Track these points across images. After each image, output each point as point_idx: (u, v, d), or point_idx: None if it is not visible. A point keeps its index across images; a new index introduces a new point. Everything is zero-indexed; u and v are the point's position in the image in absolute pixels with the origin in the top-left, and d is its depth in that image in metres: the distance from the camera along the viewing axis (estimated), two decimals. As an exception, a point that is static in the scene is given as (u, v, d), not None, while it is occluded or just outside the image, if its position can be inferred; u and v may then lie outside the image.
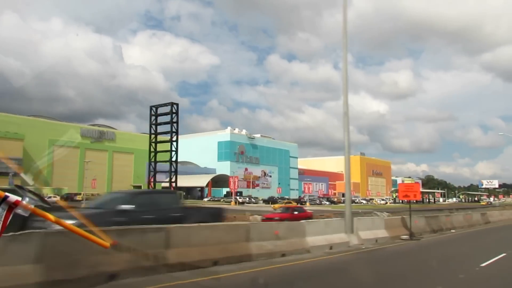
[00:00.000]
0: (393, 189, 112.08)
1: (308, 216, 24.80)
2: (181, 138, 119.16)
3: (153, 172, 61.11)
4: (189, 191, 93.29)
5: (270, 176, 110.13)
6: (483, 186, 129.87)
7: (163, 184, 63.55)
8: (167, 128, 58.93)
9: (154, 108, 61.16)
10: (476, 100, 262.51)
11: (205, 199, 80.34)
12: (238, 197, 74.73)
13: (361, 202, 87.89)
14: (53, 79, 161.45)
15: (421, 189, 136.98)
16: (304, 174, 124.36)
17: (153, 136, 60.59)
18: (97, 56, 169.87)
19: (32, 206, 2.18)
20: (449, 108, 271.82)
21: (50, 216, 2.30)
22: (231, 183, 65.95)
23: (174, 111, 58.91)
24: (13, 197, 2.05)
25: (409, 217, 16.99)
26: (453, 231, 20.55)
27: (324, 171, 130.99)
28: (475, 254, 12.93)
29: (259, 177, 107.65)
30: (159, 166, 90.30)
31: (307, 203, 74.15)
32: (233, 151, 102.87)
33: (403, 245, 14.52)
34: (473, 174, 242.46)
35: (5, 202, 2.00)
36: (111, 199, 10.79)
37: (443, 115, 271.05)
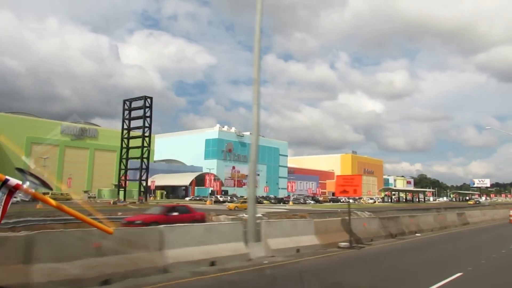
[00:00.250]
0: (382, 187, 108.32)
1: (196, 219, 18.26)
2: (168, 136, 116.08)
3: (124, 170, 57.44)
4: (174, 190, 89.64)
5: (258, 175, 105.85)
6: (475, 185, 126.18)
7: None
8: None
9: (127, 102, 57.35)
10: (471, 100, 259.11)
11: (187, 198, 76.59)
12: (219, 196, 71.05)
13: (348, 201, 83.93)
14: (49, 78, 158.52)
15: (412, 188, 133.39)
16: (295, 173, 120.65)
17: (126, 132, 57.20)
18: (93, 56, 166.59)
19: (33, 190, 2.01)
20: (444, 108, 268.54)
21: (52, 201, 2.15)
22: (207, 181, 62.13)
23: (147, 105, 55.32)
24: (13, 181, 1.92)
25: (357, 219, 13.22)
26: (418, 235, 16.80)
27: (315, 170, 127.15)
28: (423, 272, 9.15)
29: (247, 175, 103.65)
30: (138, 164, 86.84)
31: (290, 202, 70.45)
32: (220, 149, 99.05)
33: (332, 257, 10.76)
34: (466, 173, 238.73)
35: (5, 185, 1.90)
36: None
37: (438, 115, 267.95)
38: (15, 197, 2.03)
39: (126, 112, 55.69)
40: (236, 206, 41.07)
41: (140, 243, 7.18)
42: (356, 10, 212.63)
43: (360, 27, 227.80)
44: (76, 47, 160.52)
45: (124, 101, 56.13)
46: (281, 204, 68.28)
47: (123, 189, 55.14)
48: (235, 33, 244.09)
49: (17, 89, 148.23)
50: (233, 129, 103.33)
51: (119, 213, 29.56)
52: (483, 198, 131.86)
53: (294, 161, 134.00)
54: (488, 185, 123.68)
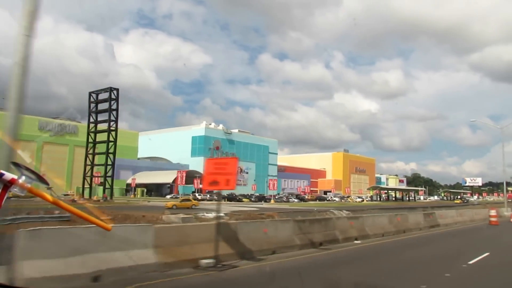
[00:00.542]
0: (371, 186, 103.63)
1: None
2: (155, 133, 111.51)
3: (90, 165, 53.00)
4: (159, 188, 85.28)
5: (247, 173, 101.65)
6: (467, 184, 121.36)
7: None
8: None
9: (94, 95, 52.86)
10: (464, 100, 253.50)
11: (168, 196, 72.26)
12: (198, 194, 66.72)
13: (334, 200, 79.32)
14: (44, 77, 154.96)
15: (404, 187, 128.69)
16: (286, 171, 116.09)
17: (93, 126, 52.79)
18: (88, 54, 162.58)
19: (29, 185, 2.00)
20: (439, 107, 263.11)
21: (48, 196, 2.11)
22: (178, 178, 57.71)
23: (113, 97, 50.93)
24: (8, 175, 1.90)
25: (251, 223, 8.71)
26: (358, 242, 12.34)
27: (307, 168, 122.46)
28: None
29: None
30: (121, 161, 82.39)
31: (272, 200, 65.98)
32: (207, 146, 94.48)
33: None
34: (460, 172, 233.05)
35: (0, 180, 1.88)
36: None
37: (432, 114, 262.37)
38: (10, 192, 1.92)
39: (93, 105, 51.31)
40: (175, 205, 36.09)
41: None
42: (351, 10, 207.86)
43: (355, 27, 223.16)
44: (71, 46, 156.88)
45: (90, 93, 51.73)
46: (262, 202, 63.77)
47: (89, 186, 50.61)
48: (230, 32, 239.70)
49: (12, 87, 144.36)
50: (220, 126, 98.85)
51: (57, 212, 25.47)
52: (475, 197, 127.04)
53: (286, 160, 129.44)
54: (480, 184, 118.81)
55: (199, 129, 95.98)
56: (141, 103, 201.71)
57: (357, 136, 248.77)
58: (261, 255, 8.87)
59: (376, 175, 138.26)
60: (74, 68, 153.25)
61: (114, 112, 49.54)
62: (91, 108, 51.36)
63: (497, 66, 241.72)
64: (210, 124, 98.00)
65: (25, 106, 6.04)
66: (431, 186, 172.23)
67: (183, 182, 58.84)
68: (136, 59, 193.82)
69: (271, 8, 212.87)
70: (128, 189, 79.80)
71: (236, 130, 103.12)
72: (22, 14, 6.07)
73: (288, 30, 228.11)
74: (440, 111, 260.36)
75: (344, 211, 35.21)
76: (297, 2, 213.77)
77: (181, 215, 23.14)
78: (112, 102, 49.28)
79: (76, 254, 6.02)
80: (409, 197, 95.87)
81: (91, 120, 51.47)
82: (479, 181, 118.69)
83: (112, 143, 49.68)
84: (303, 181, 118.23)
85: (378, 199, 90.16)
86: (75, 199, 43.84)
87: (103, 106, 50.69)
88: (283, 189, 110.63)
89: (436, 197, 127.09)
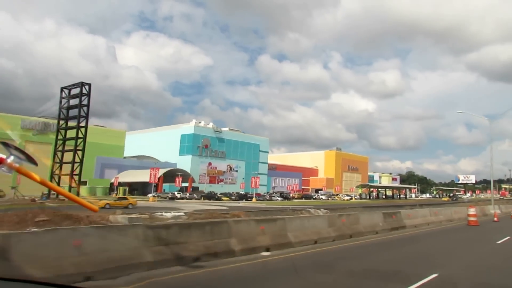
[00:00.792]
0: (360, 184, 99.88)
1: None
2: (144, 132, 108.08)
3: (59, 163, 49.49)
4: (144, 186, 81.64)
5: (237, 171, 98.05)
6: (460, 182, 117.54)
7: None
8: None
9: (66, 90, 49.58)
10: (461, 99, 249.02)
11: (149, 195, 68.80)
12: (177, 193, 63.41)
13: (321, 198, 75.59)
14: (46, 79, 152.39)
15: (396, 185, 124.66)
16: (277, 170, 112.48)
17: (63, 122, 49.33)
18: (90, 57, 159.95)
19: (17, 165, 1.98)
20: (435, 107, 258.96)
21: (36, 176, 2.12)
22: (151, 176, 54.26)
23: (85, 92, 47.47)
24: None
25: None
26: (267, 253, 8.76)
27: (299, 167, 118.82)
28: None
29: (224, 172, 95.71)
30: (107, 160, 78.95)
31: (254, 199, 62.37)
32: (196, 144, 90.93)
33: None
34: (455, 170, 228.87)
35: None
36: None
37: (429, 114, 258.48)
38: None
39: (64, 100, 47.81)
40: (108, 204, 31.91)
41: None
42: (349, 10, 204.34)
43: (352, 27, 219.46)
44: (73, 48, 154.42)
45: (62, 89, 48.29)
46: (244, 200, 60.21)
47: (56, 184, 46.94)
48: (230, 34, 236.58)
49: (14, 89, 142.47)
50: (210, 125, 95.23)
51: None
52: (468, 194, 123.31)
53: (279, 158, 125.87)
54: (473, 181, 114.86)
55: (188, 127, 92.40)
56: (141, 104, 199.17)
57: (354, 135, 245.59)
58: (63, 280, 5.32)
59: (369, 173, 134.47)
60: (76, 70, 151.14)
61: (85, 108, 46.01)
62: (63, 104, 47.91)
63: (494, 66, 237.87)
64: (200, 123, 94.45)
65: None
66: (425, 184, 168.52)
67: (156, 180, 55.26)
68: (137, 61, 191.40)
69: (270, 9, 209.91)
70: (113, 188, 76.49)
71: (227, 128, 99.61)
72: None
73: (287, 31, 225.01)
74: (436, 111, 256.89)
75: (322, 209, 31.59)
76: (296, 3, 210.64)
77: (134, 215, 19.79)
78: (83, 97, 45.77)
79: None
80: (399, 195, 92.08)
81: (62, 116, 47.97)
82: (472, 179, 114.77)
83: (81, 139, 46.16)
84: (294, 180, 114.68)
85: (368, 197, 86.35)
86: (35, 199, 40.36)
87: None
88: (274, 187, 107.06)
89: (427, 195, 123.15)
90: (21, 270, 5.24)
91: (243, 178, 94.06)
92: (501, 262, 9.10)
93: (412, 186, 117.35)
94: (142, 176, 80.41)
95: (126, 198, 35.91)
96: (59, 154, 47.87)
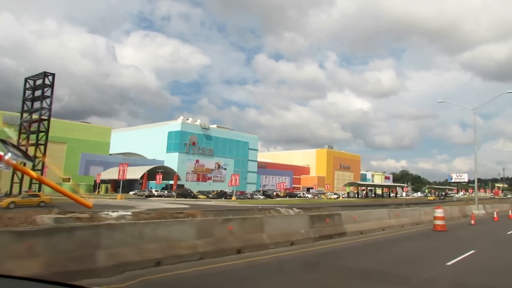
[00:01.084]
0: (347, 182, 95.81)
1: None
2: (131, 129, 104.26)
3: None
4: (131, 184, 78.04)
5: (225, 169, 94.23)
6: (453, 180, 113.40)
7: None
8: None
9: (30, 81, 46.02)
10: (455, 99, 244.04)
11: (131, 193, 65.30)
12: (155, 190, 59.80)
13: (306, 196, 71.62)
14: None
15: (386, 183, 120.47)
16: (267, 168, 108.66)
17: (27, 115, 45.75)
18: (90, 56, 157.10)
19: (15, 162, 1.96)
20: (430, 106, 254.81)
21: (32, 173, 2.08)
22: (120, 172, 50.62)
23: (48, 83, 43.87)
24: None
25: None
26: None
27: (290, 165, 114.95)
28: None
29: (212, 169, 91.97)
30: (92, 157, 75.13)
31: (233, 197, 58.56)
32: (183, 141, 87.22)
33: None
34: (450, 169, 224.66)
35: None
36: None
37: (423, 113, 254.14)
38: None
39: (29, 92, 44.22)
40: (13, 202, 27.43)
41: None
42: (344, 10, 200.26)
43: (348, 26, 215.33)
44: (74, 48, 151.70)
45: (26, 79, 44.65)
46: (223, 198, 56.42)
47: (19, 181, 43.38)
48: (227, 34, 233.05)
49: (16, 88, 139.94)
50: (198, 122, 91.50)
51: None
52: (461, 193, 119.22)
53: (270, 156, 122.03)
54: (466, 180, 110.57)
55: (175, 124, 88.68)
56: (140, 103, 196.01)
57: (349, 134, 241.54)
58: None
59: (362, 172, 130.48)
60: (77, 69, 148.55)
61: (48, 100, 42.44)
62: (27, 96, 44.32)
63: (488, 65, 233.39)
64: (188, 120, 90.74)
65: None
66: (419, 183, 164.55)
67: (125, 177, 51.63)
68: (137, 60, 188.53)
69: (266, 9, 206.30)
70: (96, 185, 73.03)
71: (215, 126, 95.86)
72: None
73: (283, 30, 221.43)
74: (431, 110, 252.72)
75: (295, 209, 27.91)
76: (292, 3, 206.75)
77: (69, 215, 16.15)
78: (46, 88, 42.17)
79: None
80: (389, 194, 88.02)
81: (26, 108, 44.39)
82: (465, 177, 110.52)
83: (43, 133, 42.58)
84: (285, 178, 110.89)
85: (356, 195, 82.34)
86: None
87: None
88: (264, 186, 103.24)
89: (419, 194, 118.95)
90: None
91: (231, 176, 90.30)
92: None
93: (402, 185, 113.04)
94: (128, 173, 76.92)
95: (38, 195, 31.08)
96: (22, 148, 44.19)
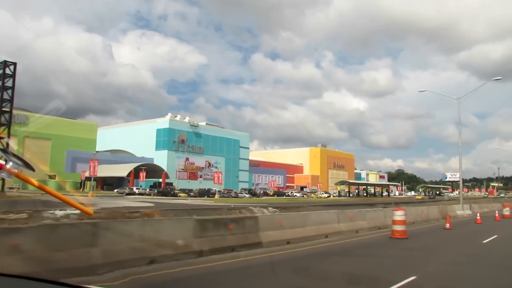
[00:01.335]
0: (338, 181, 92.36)
1: None
2: (120, 126, 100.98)
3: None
4: (120, 182, 74.94)
5: (216, 167, 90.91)
6: (447, 179, 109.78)
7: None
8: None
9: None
10: (451, 98, 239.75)
11: (115, 190, 62.42)
12: (136, 188, 56.70)
13: (295, 195, 68.29)
14: (45, 76, 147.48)
15: (377, 182, 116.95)
16: (259, 166, 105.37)
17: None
18: (88, 54, 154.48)
19: (16, 171, 1.95)
20: (426, 105, 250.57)
21: (34, 181, 2.07)
22: (91, 167, 47.50)
23: (9, 73, 40.90)
24: None
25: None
26: None
27: (283, 164, 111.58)
28: None
29: (203, 167, 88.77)
30: (78, 154, 72.02)
31: (216, 195, 55.33)
32: (172, 139, 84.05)
33: None
34: (446, 169, 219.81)
35: None
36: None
37: (419, 113, 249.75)
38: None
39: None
40: None
41: None
42: (341, 9, 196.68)
43: (345, 26, 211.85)
44: (71, 46, 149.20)
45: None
46: (205, 197, 53.19)
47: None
48: (224, 33, 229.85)
49: (15, 86, 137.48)
50: (187, 119, 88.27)
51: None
52: (456, 192, 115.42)
53: (263, 155, 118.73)
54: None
55: (163, 121, 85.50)
56: (137, 101, 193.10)
57: (346, 134, 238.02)
58: None
59: (356, 171, 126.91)
60: (74, 68, 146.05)
61: (10, 91, 39.33)
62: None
63: (484, 65, 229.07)
64: (176, 116, 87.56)
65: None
66: (415, 182, 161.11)
67: (95, 173, 48.56)
68: (134, 59, 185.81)
69: (263, 8, 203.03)
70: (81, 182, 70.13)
71: (204, 123, 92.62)
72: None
73: (279, 30, 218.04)
74: (427, 110, 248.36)
75: (270, 208, 24.83)
76: (288, 2, 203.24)
77: (13, 215, 13.57)
78: (7, 79, 39.07)
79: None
80: (381, 193, 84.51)
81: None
82: (459, 176, 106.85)
83: (4, 127, 39.48)
84: (278, 177, 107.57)
85: (347, 194, 78.89)
86: None
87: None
88: (257, 184, 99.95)
89: (412, 193, 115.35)
90: None
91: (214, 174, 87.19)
92: None
93: (394, 183, 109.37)
94: (116, 170, 73.93)
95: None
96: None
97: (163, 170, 73.62)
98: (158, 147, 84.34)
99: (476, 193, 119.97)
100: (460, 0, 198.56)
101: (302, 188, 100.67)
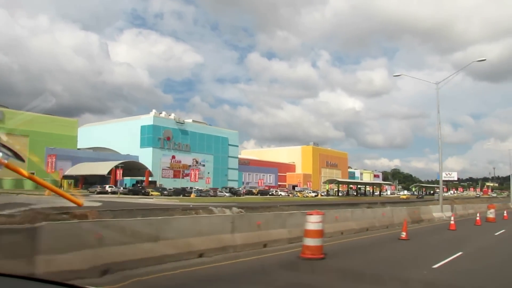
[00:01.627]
0: (327, 180, 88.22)
1: None
2: (103, 123, 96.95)
3: None
4: (103, 180, 71.14)
5: (204, 166, 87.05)
6: (442, 179, 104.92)
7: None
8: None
9: None
10: (447, 98, 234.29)
11: (89, 189, 58.58)
12: (109, 186, 53.01)
13: (280, 194, 64.25)
14: (41, 75, 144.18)
15: (369, 181, 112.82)
16: (250, 165, 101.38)
17: None
18: (83, 53, 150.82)
19: (6, 161, 1.99)
20: (421, 105, 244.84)
21: (24, 172, 2.22)
22: (49, 164, 43.72)
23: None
24: None
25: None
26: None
27: (275, 162, 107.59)
28: None
29: (190, 166, 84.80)
30: (59, 151, 68.25)
31: (192, 194, 51.44)
32: (157, 136, 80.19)
33: None
34: (443, 168, 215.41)
35: None
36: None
37: (415, 112, 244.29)
38: None
39: None
40: None
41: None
42: (337, 9, 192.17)
43: (340, 26, 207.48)
44: (67, 45, 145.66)
45: None
46: (181, 196, 49.28)
47: None
48: (220, 32, 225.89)
49: (10, 84, 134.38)
50: (172, 116, 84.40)
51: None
52: (451, 191, 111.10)
53: (254, 153, 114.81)
54: (455, 178, 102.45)
55: (147, 118, 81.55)
56: (133, 100, 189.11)
57: (342, 133, 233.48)
58: None
59: (350, 170, 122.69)
60: (70, 66, 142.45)
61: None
62: None
63: (479, 65, 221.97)
64: (161, 113, 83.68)
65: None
66: (410, 181, 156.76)
67: (53, 170, 44.95)
68: (130, 58, 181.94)
69: (259, 7, 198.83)
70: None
71: (190, 120, 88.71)
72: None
73: (275, 29, 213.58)
74: (422, 109, 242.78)
75: (234, 208, 20.64)
76: (284, 1, 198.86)
77: None
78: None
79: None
80: (373, 192, 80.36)
81: None
82: (454, 176, 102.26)
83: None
84: (269, 175, 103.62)
85: (336, 194, 74.83)
86: None
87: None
88: (247, 183, 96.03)
89: (405, 192, 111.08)
90: None
91: (208, 173, 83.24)
92: None
93: (387, 183, 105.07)
94: (99, 169, 70.24)
95: None
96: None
97: (146, 168, 69.81)
98: (143, 144, 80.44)
99: (471, 192, 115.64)
100: (455, 0, 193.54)
101: (293, 187, 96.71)
